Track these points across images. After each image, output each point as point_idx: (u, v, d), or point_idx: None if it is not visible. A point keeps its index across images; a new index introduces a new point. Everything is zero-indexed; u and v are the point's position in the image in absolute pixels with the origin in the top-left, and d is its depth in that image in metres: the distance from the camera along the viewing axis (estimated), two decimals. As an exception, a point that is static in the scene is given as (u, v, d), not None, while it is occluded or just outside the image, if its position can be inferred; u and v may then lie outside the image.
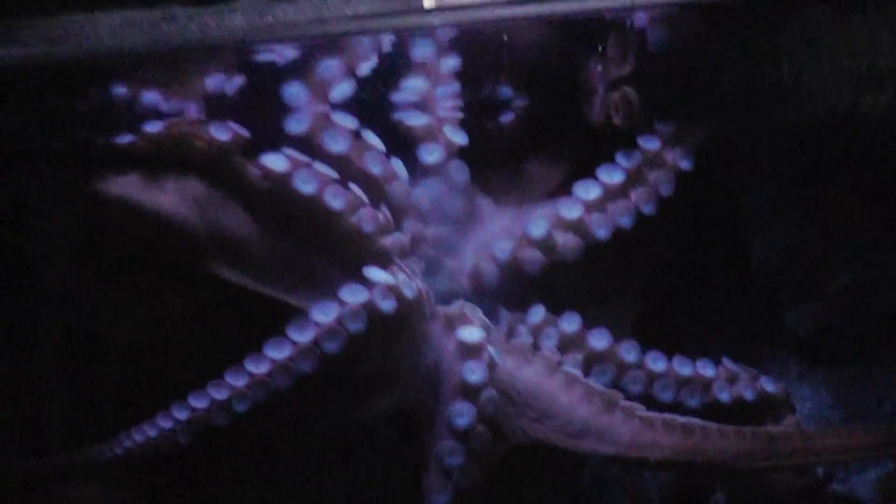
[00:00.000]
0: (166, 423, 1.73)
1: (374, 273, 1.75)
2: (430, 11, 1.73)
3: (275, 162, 1.77)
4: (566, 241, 1.82)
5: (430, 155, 1.84)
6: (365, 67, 1.80)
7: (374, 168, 1.81)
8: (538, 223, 1.82)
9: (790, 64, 1.82)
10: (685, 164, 1.85)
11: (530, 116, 1.87)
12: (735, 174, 1.94)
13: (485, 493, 1.73)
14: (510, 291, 1.84)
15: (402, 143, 1.84)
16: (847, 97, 1.86)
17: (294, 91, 1.79)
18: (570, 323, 1.81)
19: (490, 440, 1.72)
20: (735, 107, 1.87)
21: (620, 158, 1.83)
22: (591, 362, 1.81)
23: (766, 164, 1.93)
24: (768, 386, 1.84)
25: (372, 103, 1.82)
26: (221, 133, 1.76)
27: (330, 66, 1.79)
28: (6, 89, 1.74)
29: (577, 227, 1.82)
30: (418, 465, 1.75)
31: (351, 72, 1.80)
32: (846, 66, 1.84)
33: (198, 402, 1.72)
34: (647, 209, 1.83)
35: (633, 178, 1.83)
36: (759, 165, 1.93)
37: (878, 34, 1.80)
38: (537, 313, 1.83)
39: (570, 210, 1.82)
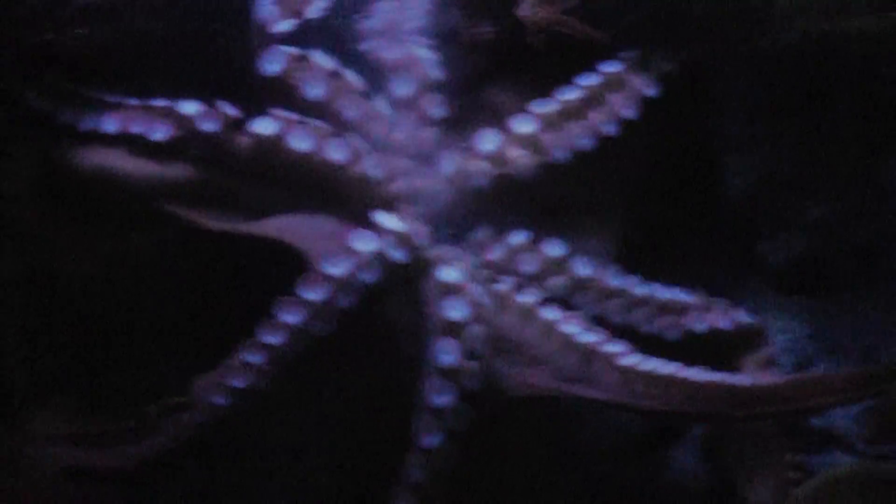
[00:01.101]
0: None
1: (386, 219, 1.74)
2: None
3: (265, 127, 1.75)
4: (518, 156, 1.81)
5: (405, 88, 1.82)
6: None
7: (355, 110, 1.79)
8: (488, 137, 1.81)
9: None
10: (650, 90, 1.83)
11: (497, 44, 1.85)
12: (708, 100, 1.91)
13: (479, 437, 1.70)
14: (472, 213, 1.82)
15: (374, 77, 1.82)
16: (823, 22, 1.83)
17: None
18: (554, 249, 1.79)
19: (480, 377, 1.70)
20: (707, 31, 1.85)
21: (580, 80, 1.81)
22: (573, 290, 1.79)
23: (740, 91, 1.90)
24: (742, 317, 1.82)
25: (343, 33, 1.80)
26: (211, 124, 1.75)
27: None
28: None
29: (530, 143, 1.81)
30: (408, 412, 1.72)
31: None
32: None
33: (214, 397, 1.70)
34: (609, 129, 1.81)
35: (592, 98, 1.82)
36: (733, 92, 1.90)
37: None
38: (517, 237, 1.81)
39: (523, 125, 1.81)
